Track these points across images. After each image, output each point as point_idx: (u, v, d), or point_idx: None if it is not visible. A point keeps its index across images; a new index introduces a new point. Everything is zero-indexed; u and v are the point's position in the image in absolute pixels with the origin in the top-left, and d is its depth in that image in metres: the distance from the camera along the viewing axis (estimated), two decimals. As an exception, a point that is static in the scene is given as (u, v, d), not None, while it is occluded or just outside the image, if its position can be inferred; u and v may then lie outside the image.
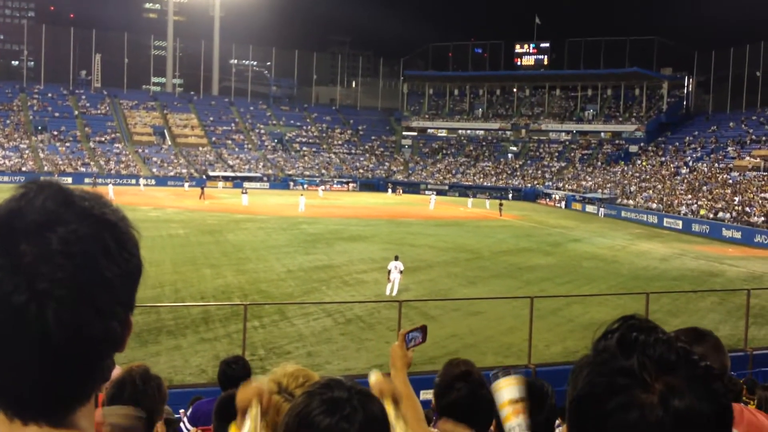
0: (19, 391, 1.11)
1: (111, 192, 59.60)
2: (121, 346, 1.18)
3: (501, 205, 64.52)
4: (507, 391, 2.78)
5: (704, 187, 65.31)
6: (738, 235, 50.70)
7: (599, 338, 1.23)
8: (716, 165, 72.16)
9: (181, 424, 5.69)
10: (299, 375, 3.18)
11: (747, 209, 55.09)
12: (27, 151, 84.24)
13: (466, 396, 3.45)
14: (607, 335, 1.22)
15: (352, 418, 1.71)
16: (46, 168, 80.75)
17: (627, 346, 1.17)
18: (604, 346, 1.19)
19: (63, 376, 1.11)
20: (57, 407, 1.14)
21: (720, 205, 58.15)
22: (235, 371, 5.65)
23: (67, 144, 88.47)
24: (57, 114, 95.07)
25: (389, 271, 24.85)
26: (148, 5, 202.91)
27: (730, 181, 64.86)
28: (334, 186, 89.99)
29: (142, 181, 79.07)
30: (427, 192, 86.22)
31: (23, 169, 79.51)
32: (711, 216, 56.70)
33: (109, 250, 1.13)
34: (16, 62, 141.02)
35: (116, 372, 6.33)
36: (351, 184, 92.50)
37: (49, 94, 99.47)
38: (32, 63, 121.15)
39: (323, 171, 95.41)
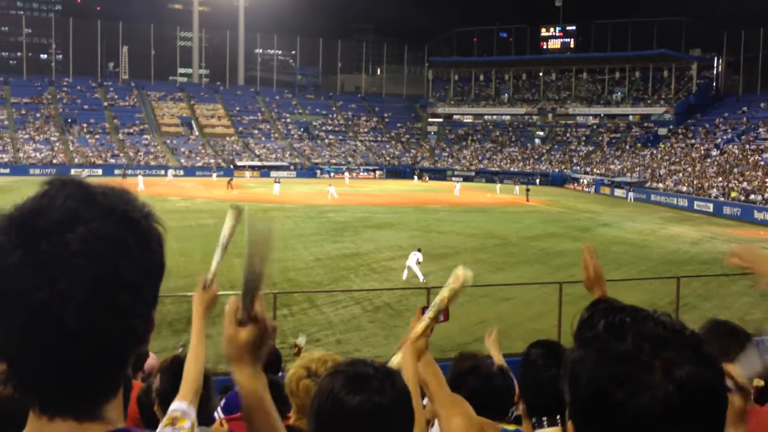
0: (44, 387, 1.13)
1: (141, 183, 60.14)
2: (143, 343, 1.19)
3: (528, 190, 64.22)
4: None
5: (735, 169, 64.44)
6: (770, 217, 50.07)
7: (579, 329, 1.23)
8: (747, 146, 71.12)
9: (215, 413, 5.76)
10: (327, 359, 3.24)
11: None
12: (57, 144, 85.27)
13: (478, 390, 3.47)
14: (586, 324, 1.22)
15: (383, 391, 1.73)
16: (76, 160, 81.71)
17: (617, 329, 1.17)
18: (593, 335, 1.19)
19: (86, 372, 1.12)
20: (82, 402, 1.15)
21: (751, 187, 57.38)
22: (267, 359, 5.70)
23: (97, 136, 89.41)
24: (86, 106, 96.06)
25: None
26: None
27: (762, 163, 63.89)
28: (361, 174, 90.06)
29: (170, 171, 79.68)
30: (453, 179, 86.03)
31: (54, 161, 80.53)
32: (742, 198, 55.97)
33: (130, 248, 1.13)
34: (45, 56, 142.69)
35: (152, 362, 6.42)
36: (377, 172, 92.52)
37: (78, 87, 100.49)
38: (60, 56, 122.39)
39: (349, 159, 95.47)
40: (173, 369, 3.70)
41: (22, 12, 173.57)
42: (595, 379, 1.16)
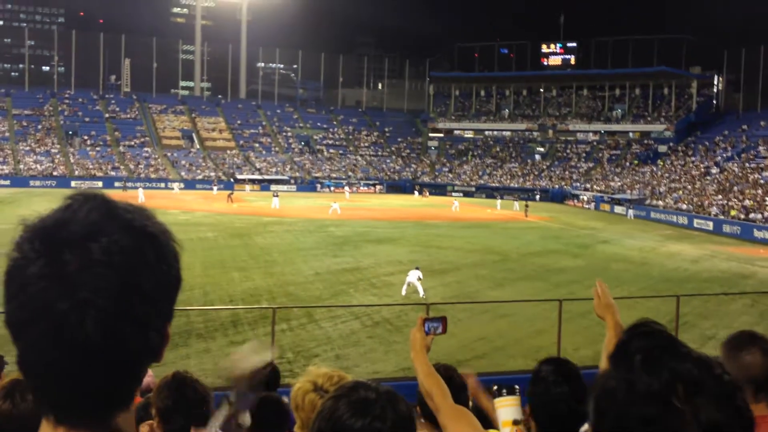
0: (61, 397, 1.14)
1: (141, 195, 60.20)
2: (158, 357, 1.21)
3: (527, 206, 64.19)
4: (509, 411, 2.81)
5: (735, 188, 64.49)
6: (770, 235, 50.03)
7: (617, 353, 1.21)
8: (747, 165, 71.22)
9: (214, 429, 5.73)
10: (334, 375, 3.25)
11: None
12: (58, 156, 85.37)
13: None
14: (624, 349, 1.20)
15: (384, 417, 1.73)
16: (77, 172, 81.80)
17: (652, 365, 1.15)
18: (628, 367, 1.17)
19: (102, 383, 1.14)
20: (97, 413, 1.17)
21: (751, 206, 57.40)
22: (264, 376, 5.70)
23: (98, 148, 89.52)
24: (87, 119, 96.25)
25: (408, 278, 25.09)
26: (176, 10, 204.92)
27: (762, 181, 63.96)
28: (361, 188, 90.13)
29: (175, 185, 79.65)
30: (453, 194, 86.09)
31: (54, 173, 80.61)
32: (742, 217, 55.98)
33: (150, 261, 1.16)
34: (47, 68, 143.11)
35: (148, 379, 6.40)
36: (377, 186, 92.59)
37: (80, 99, 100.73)
38: (62, 68, 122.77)
39: (350, 173, 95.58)
40: (174, 385, 3.69)
41: (25, 24, 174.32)
42: (623, 416, 1.15)
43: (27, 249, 1.12)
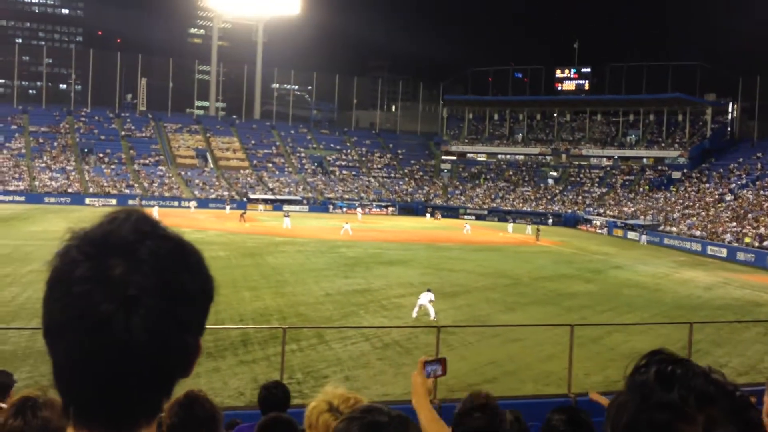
0: (92, 403, 1.16)
1: (156, 214, 60.41)
2: (189, 368, 1.23)
3: (538, 230, 63.92)
4: None
5: (749, 215, 64.13)
6: (784, 264, 49.64)
7: (632, 373, 1.23)
8: (762, 192, 70.85)
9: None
10: (350, 397, 3.25)
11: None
12: (73, 173, 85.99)
13: (483, 426, 3.46)
14: (640, 370, 1.22)
15: None
16: (91, 189, 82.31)
17: (666, 380, 1.17)
18: (642, 380, 1.19)
19: (136, 388, 1.15)
20: (124, 421, 1.17)
21: (767, 234, 57.02)
22: (275, 396, 5.73)
23: (112, 166, 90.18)
24: (103, 137, 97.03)
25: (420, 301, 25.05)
26: (193, 31, 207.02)
27: (776, 209, 63.61)
28: (373, 209, 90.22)
29: (192, 203, 79.98)
30: (465, 217, 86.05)
31: (69, 190, 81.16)
32: (756, 244, 55.62)
33: (192, 266, 1.22)
34: (64, 86, 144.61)
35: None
36: (390, 208, 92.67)
37: (96, 117, 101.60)
38: (79, 86, 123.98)
39: (362, 194, 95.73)
40: (186, 402, 3.69)
41: (43, 42, 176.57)
42: (634, 422, 1.16)
43: (74, 254, 1.15)
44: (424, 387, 3.19)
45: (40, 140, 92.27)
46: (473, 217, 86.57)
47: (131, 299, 1.11)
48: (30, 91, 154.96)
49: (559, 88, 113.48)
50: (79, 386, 1.15)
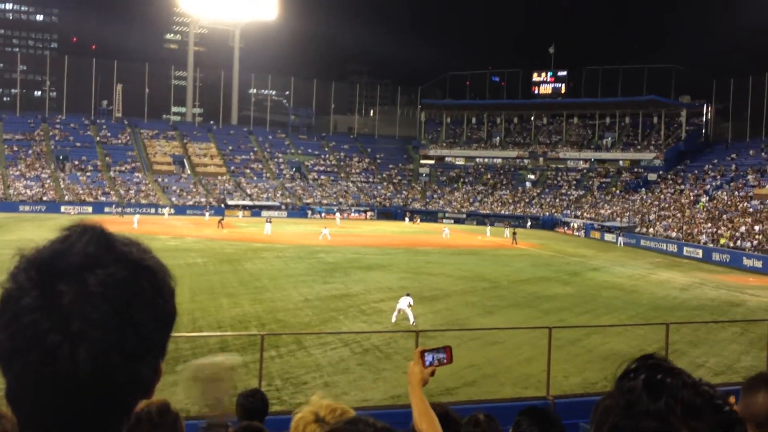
0: (45, 425, 1.14)
1: (136, 222, 60.29)
2: (149, 392, 1.20)
3: (515, 233, 63.93)
4: None
5: (724, 216, 64.81)
6: (759, 264, 50.14)
7: (621, 377, 1.23)
8: (736, 193, 71.66)
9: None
10: (337, 408, 3.24)
11: (768, 238, 54.56)
12: (48, 181, 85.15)
13: None
14: (630, 374, 1.21)
15: None
16: (66, 197, 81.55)
17: (654, 388, 1.16)
18: (630, 387, 1.19)
19: (90, 415, 1.14)
20: None
21: (740, 234, 57.65)
22: (252, 404, 5.66)
23: (88, 173, 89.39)
24: (78, 144, 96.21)
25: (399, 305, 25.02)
26: (169, 36, 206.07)
27: (751, 210, 64.32)
28: (352, 214, 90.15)
29: (165, 210, 79.55)
30: (444, 221, 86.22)
31: (44, 198, 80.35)
32: (731, 245, 56.20)
33: (145, 295, 1.16)
34: (39, 93, 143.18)
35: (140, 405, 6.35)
36: (368, 213, 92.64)
37: (71, 124, 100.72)
38: (54, 93, 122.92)
39: (341, 199, 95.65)
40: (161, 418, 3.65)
41: (17, 49, 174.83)
42: (618, 428, 1.16)
43: (22, 279, 1.12)
44: (419, 376, 3.17)
45: (15, 148, 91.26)
46: (452, 221, 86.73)
47: (76, 332, 1.08)
48: (4, 99, 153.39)
49: (536, 91, 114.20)
50: (29, 410, 1.14)
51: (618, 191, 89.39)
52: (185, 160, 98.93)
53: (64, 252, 1.14)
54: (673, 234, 64.49)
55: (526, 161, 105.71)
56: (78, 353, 1.08)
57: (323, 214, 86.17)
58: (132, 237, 1.23)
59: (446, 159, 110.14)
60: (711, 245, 57.73)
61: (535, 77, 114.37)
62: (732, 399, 2.60)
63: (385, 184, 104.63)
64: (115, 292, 1.12)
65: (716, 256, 54.68)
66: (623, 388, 1.20)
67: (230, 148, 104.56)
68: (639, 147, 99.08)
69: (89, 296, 1.10)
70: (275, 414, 9.84)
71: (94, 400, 1.12)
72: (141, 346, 1.15)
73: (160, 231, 56.82)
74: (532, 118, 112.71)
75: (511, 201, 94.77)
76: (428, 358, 3.16)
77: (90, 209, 78.09)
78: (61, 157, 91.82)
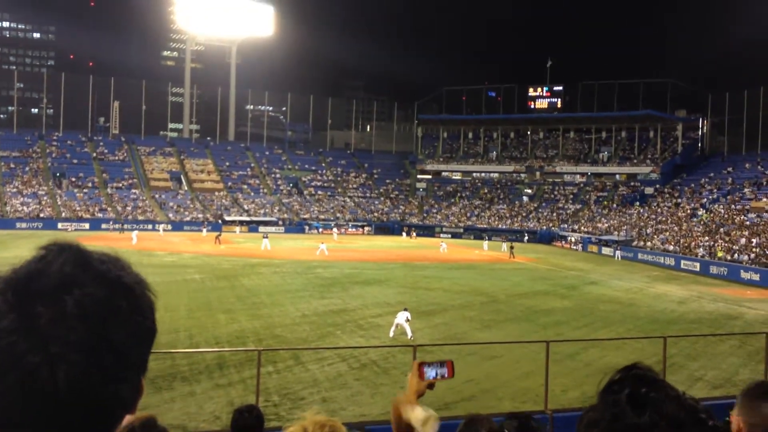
0: None
1: (135, 238, 60.22)
2: (130, 409, 1.19)
3: (512, 247, 63.92)
4: None
5: (721, 229, 64.88)
6: (756, 277, 50.14)
7: (605, 389, 1.23)
8: (733, 206, 71.78)
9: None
10: (326, 424, 3.21)
11: (765, 251, 54.58)
12: (45, 198, 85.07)
13: None
14: (614, 386, 1.22)
15: None
16: (63, 214, 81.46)
17: (638, 402, 1.16)
18: (614, 400, 1.19)
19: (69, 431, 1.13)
20: None
21: (737, 247, 57.70)
22: (247, 420, 5.62)
23: (85, 190, 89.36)
24: (75, 161, 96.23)
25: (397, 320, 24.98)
26: (165, 53, 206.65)
27: (748, 223, 64.42)
28: (349, 229, 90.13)
29: (161, 226, 79.49)
30: (441, 235, 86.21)
31: (41, 215, 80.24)
32: (729, 258, 56.22)
33: (123, 314, 1.15)
34: (36, 110, 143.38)
35: (124, 421, 6.31)
36: (366, 228, 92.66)
37: (68, 141, 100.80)
38: (51, 110, 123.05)
39: (338, 214, 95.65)
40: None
41: (14, 66, 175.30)
42: None
43: None
44: (416, 388, 3.14)
45: (12, 165, 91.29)
46: (449, 236, 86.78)
47: (55, 355, 1.08)
48: (1, 116, 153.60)
49: (532, 106, 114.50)
50: (13, 426, 1.12)
51: (615, 205, 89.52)
52: (182, 177, 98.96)
53: (40, 272, 1.13)
54: (671, 247, 64.51)
55: (522, 175, 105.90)
56: (57, 375, 1.08)
57: (320, 230, 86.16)
58: (110, 253, 1.22)
59: (443, 174, 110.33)
60: (708, 258, 57.75)
61: (531, 92, 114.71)
62: (734, 415, 2.57)
63: (382, 199, 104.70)
64: (93, 312, 1.11)
65: (714, 269, 54.68)
66: (608, 401, 1.20)
67: (227, 164, 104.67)
68: (635, 161, 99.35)
69: (66, 318, 1.09)
70: (272, 430, 9.80)
71: (75, 420, 1.12)
72: (120, 364, 1.14)
73: (157, 247, 56.76)
74: (529, 133, 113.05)
75: (508, 215, 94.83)
76: (430, 372, 3.10)
77: (87, 226, 77.98)
78: (58, 174, 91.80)
